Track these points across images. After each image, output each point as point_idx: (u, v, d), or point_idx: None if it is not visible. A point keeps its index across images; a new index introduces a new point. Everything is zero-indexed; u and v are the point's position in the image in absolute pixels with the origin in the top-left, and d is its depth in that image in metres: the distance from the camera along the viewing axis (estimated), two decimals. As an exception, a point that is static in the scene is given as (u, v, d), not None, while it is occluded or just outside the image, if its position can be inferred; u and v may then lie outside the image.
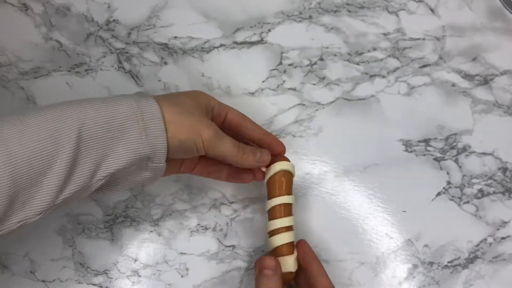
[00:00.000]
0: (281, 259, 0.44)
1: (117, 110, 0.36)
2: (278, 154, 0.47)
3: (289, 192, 0.46)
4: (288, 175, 0.46)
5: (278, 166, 0.46)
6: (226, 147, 0.41)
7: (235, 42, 0.57)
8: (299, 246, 0.45)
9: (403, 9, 0.59)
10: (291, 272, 0.44)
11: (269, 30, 0.57)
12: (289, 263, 0.44)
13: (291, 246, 0.45)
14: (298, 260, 0.45)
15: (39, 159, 0.32)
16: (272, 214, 0.45)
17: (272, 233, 0.45)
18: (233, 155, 0.41)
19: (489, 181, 0.53)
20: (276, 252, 0.45)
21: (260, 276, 0.42)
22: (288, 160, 0.47)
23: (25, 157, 0.32)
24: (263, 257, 0.43)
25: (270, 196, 0.46)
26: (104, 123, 0.35)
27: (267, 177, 0.46)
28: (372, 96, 0.56)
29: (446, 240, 0.51)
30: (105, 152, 0.35)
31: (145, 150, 0.37)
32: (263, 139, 0.46)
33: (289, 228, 0.45)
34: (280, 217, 0.45)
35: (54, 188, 0.33)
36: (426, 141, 0.54)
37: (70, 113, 0.34)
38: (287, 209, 0.45)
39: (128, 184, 0.39)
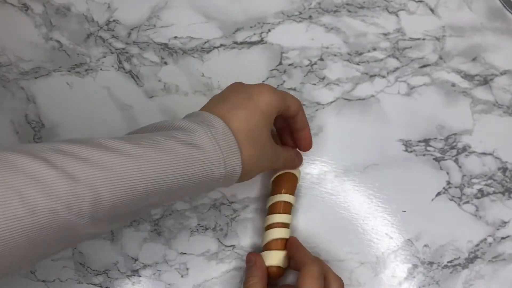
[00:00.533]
0: (272, 252, 0.46)
1: (209, 180, 0.36)
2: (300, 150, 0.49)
3: (291, 192, 0.48)
4: (293, 177, 0.49)
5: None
6: (279, 164, 0.45)
7: (235, 42, 0.57)
8: (288, 240, 0.47)
9: (403, 9, 0.59)
10: (279, 267, 0.46)
11: (269, 30, 0.57)
12: (278, 258, 0.46)
13: (283, 242, 0.47)
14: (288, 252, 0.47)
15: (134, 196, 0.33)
16: (271, 209, 0.48)
17: (268, 227, 0.47)
18: (284, 165, 0.47)
19: (489, 181, 0.53)
20: (268, 246, 0.47)
21: (247, 268, 0.46)
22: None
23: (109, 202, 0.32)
24: (248, 253, 0.47)
25: (273, 193, 0.48)
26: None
27: (273, 176, 0.49)
28: (372, 96, 0.56)
29: (446, 240, 0.51)
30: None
31: (215, 184, 0.38)
32: (301, 133, 0.47)
33: (285, 225, 0.47)
34: (279, 213, 0.47)
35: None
36: (426, 141, 0.54)
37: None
38: (287, 207, 0.48)
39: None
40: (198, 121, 0.37)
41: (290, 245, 0.47)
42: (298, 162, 0.49)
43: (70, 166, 0.30)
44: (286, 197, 0.47)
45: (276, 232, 0.47)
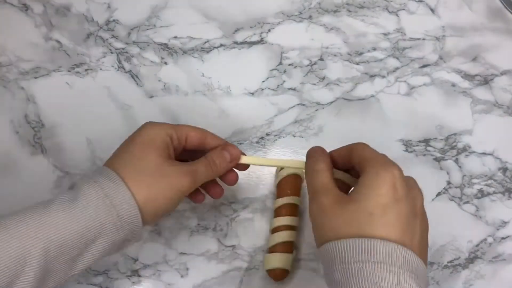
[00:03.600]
0: (277, 255, 0.46)
1: (91, 221, 0.34)
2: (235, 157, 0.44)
3: (296, 193, 0.48)
4: (297, 178, 0.49)
5: (286, 171, 0.48)
6: (202, 176, 0.40)
7: (235, 42, 0.57)
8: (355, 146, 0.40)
9: (403, 9, 0.59)
10: (284, 270, 0.46)
11: (269, 30, 0.57)
12: (284, 260, 0.46)
13: (289, 245, 0.46)
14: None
15: (1, 276, 0.31)
16: (277, 212, 0.48)
17: (274, 230, 0.47)
18: (210, 175, 0.41)
19: (489, 181, 0.53)
20: (274, 249, 0.46)
21: (310, 157, 0.40)
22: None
23: None
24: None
25: (277, 196, 0.49)
26: (76, 237, 0.34)
27: (276, 180, 0.49)
28: (372, 96, 0.56)
29: (446, 240, 0.51)
30: (80, 253, 0.35)
31: (122, 236, 0.36)
32: (225, 148, 0.43)
33: (291, 228, 0.47)
34: (284, 215, 0.47)
35: None
36: (426, 141, 0.54)
37: (35, 233, 0.32)
38: (292, 209, 0.47)
39: (107, 253, 0.38)
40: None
41: (354, 149, 0.39)
42: (226, 156, 0.42)
43: None
44: (290, 199, 0.47)
45: (282, 235, 0.46)
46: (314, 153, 0.39)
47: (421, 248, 0.34)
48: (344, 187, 0.38)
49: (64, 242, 0.33)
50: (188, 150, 0.42)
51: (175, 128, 0.40)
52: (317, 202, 0.36)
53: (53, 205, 0.34)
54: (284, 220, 0.47)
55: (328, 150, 0.40)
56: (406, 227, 0.33)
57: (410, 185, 0.36)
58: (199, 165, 0.40)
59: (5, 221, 0.33)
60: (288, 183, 0.48)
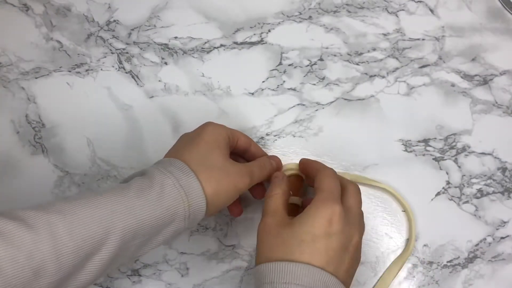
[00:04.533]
0: None
1: (165, 209, 0.37)
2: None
3: (297, 193, 0.48)
4: (298, 178, 0.49)
5: (287, 171, 0.49)
6: (256, 177, 0.43)
7: (235, 43, 0.57)
8: (300, 161, 0.48)
9: (403, 10, 0.59)
10: None
11: (269, 31, 0.57)
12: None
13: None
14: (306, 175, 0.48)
15: (87, 247, 0.33)
16: None
17: None
18: (262, 177, 0.45)
19: (489, 181, 0.54)
20: None
21: (270, 182, 0.45)
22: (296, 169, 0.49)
23: (72, 247, 0.32)
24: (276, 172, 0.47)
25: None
26: (151, 223, 0.36)
27: None
28: (372, 96, 0.56)
29: (446, 240, 0.51)
30: (149, 238, 0.37)
31: (186, 225, 0.39)
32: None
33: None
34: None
35: (96, 272, 0.34)
36: (426, 141, 0.55)
37: (118, 215, 0.35)
38: (293, 210, 0.46)
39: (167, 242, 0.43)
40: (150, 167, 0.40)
41: (302, 164, 0.48)
42: (273, 163, 0.48)
43: (30, 216, 0.31)
44: (292, 200, 0.47)
45: None
46: (274, 179, 0.44)
47: (346, 278, 0.38)
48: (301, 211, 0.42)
49: (138, 228, 0.35)
50: (233, 153, 0.46)
51: (231, 131, 0.44)
52: (263, 222, 0.40)
53: (130, 190, 0.36)
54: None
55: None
56: (333, 257, 0.37)
57: (351, 222, 0.39)
58: (254, 166, 0.44)
59: (91, 199, 0.35)
60: (290, 184, 0.48)
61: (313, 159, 0.49)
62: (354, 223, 0.39)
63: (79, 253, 0.32)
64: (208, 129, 0.43)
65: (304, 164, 0.48)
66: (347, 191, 0.41)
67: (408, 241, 0.51)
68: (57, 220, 0.32)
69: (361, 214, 0.41)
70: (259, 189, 0.48)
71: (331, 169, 0.43)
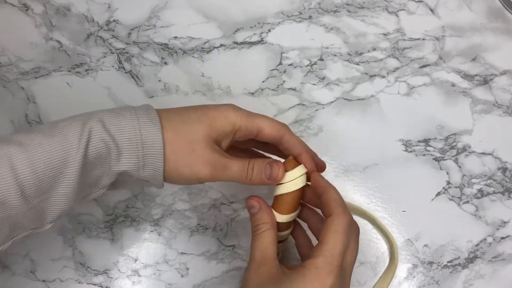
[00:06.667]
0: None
1: (121, 128, 0.35)
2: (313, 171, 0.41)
3: (297, 208, 0.41)
4: (296, 194, 0.40)
5: (286, 188, 0.40)
6: (230, 175, 0.38)
7: (235, 42, 0.57)
8: (313, 176, 0.41)
9: (403, 9, 0.59)
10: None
11: (269, 30, 0.57)
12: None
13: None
14: (312, 191, 0.41)
15: (51, 169, 0.33)
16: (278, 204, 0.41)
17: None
18: (239, 179, 0.39)
19: (489, 181, 0.54)
20: None
21: (250, 217, 0.40)
22: (302, 173, 0.40)
23: (43, 165, 0.32)
24: (248, 198, 0.41)
25: (276, 209, 0.40)
26: (109, 139, 0.35)
27: (275, 192, 0.41)
28: (372, 96, 0.56)
29: (446, 240, 0.51)
30: (102, 171, 0.36)
31: (141, 175, 0.36)
32: (299, 157, 0.41)
33: (282, 241, 0.43)
34: (280, 231, 0.41)
35: (69, 195, 0.34)
36: (426, 141, 0.54)
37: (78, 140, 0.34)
38: (289, 224, 0.42)
39: (130, 186, 0.39)
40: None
41: (316, 182, 0.40)
42: (275, 174, 0.39)
43: None
44: (291, 217, 0.41)
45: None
46: (251, 211, 0.40)
47: None
48: (284, 226, 0.40)
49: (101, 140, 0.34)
50: (260, 145, 0.43)
51: (249, 119, 0.39)
52: (250, 271, 0.37)
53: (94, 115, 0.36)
54: (282, 236, 0.41)
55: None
56: None
57: (344, 286, 0.37)
58: (235, 164, 0.38)
59: (50, 127, 0.34)
60: (294, 200, 0.40)
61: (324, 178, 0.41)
62: (345, 285, 0.37)
63: (41, 184, 0.32)
64: (221, 108, 0.38)
65: (320, 184, 0.40)
66: (349, 247, 0.37)
67: (391, 261, 0.50)
68: (16, 152, 0.32)
69: (352, 269, 0.38)
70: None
71: (345, 218, 0.37)
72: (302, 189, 0.40)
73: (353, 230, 0.38)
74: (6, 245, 0.34)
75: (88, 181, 0.35)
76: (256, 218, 0.39)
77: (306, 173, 0.40)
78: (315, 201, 0.42)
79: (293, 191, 0.40)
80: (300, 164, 0.40)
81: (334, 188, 0.39)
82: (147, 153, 0.35)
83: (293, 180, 0.40)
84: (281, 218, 0.40)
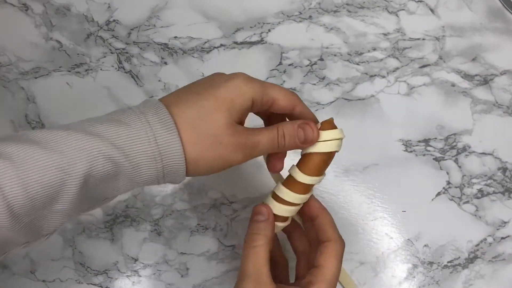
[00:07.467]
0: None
1: (134, 169, 0.32)
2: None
3: (322, 173, 0.39)
4: (327, 156, 0.39)
5: (318, 147, 0.38)
6: (262, 150, 0.36)
7: (235, 42, 0.57)
8: (311, 201, 0.41)
9: (403, 9, 0.59)
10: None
11: (269, 30, 0.57)
12: (276, 228, 0.40)
13: (286, 219, 0.41)
14: (304, 213, 0.41)
15: (49, 187, 0.29)
16: (293, 185, 0.39)
17: (280, 199, 0.40)
18: (273, 150, 0.37)
19: (489, 181, 0.53)
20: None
21: (251, 222, 0.39)
22: (338, 137, 0.38)
23: (24, 199, 0.29)
24: (258, 205, 0.40)
25: (301, 169, 0.39)
26: (115, 170, 0.31)
27: (305, 150, 0.39)
28: (372, 96, 0.56)
29: (446, 240, 0.51)
30: (114, 186, 0.33)
31: (160, 183, 0.35)
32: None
33: (297, 205, 0.40)
34: (300, 193, 0.39)
35: (65, 213, 0.31)
36: (426, 141, 0.54)
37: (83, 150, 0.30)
38: (309, 188, 0.40)
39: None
40: (135, 106, 0.34)
41: (311, 204, 0.40)
42: (299, 136, 0.37)
43: None
44: (315, 180, 0.39)
45: (288, 209, 0.39)
46: (256, 217, 0.39)
47: None
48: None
49: (103, 169, 0.31)
50: (270, 114, 0.40)
51: (264, 91, 0.36)
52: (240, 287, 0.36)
53: (96, 127, 0.31)
54: (297, 199, 0.39)
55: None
56: None
57: None
58: (264, 137, 0.36)
59: (51, 134, 0.30)
60: (322, 162, 0.38)
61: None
62: None
63: (34, 203, 0.29)
64: (233, 84, 0.35)
65: (314, 209, 0.40)
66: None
67: None
68: (6, 168, 0.28)
69: None
70: (276, 161, 0.41)
71: (342, 245, 0.39)
72: (332, 156, 0.39)
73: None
74: None
75: (94, 195, 0.32)
76: (258, 227, 0.38)
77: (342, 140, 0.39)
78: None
79: (324, 152, 0.38)
80: (338, 128, 0.38)
81: (328, 212, 0.40)
82: (166, 164, 0.33)
83: (327, 141, 0.38)
84: (303, 178, 0.38)
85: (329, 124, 0.39)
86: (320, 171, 0.39)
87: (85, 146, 0.30)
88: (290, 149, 0.38)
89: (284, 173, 0.41)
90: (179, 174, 0.34)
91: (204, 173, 0.35)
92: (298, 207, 0.40)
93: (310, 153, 0.38)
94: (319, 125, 0.39)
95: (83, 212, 0.34)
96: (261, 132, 0.36)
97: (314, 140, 0.37)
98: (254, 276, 0.36)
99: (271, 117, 0.41)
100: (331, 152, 0.38)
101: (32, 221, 0.30)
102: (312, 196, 0.41)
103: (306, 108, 0.39)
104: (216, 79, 0.36)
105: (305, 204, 0.41)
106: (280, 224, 0.40)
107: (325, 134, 0.38)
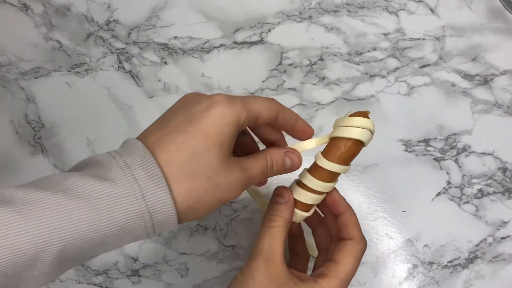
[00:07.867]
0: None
1: (117, 226, 0.29)
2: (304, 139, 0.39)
3: (349, 162, 0.39)
4: (352, 144, 0.38)
5: (346, 132, 0.38)
6: (254, 182, 0.36)
7: (235, 42, 0.57)
8: (334, 195, 0.40)
9: (403, 9, 0.59)
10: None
11: (269, 30, 0.57)
12: (297, 216, 0.40)
13: (310, 207, 0.40)
14: (330, 209, 0.41)
15: (20, 256, 0.26)
16: (319, 173, 0.39)
17: (306, 187, 0.39)
18: (262, 178, 0.37)
19: (489, 181, 0.53)
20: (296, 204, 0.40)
21: (271, 203, 0.39)
22: (367, 126, 0.38)
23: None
24: (280, 187, 0.39)
25: (327, 155, 0.38)
26: (102, 239, 0.29)
27: (333, 133, 0.39)
28: (372, 96, 0.56)
29: (446, 240, 0.51)
30: (99, 250, 0.31)
31: (150, 236, 0.32)
32: (296, 125, 0.38)
33: (320, 193, 0.39)
34: (325, 181, 0.38)
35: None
36: (426, 141, 0.54)
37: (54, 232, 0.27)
38: (334, 177, 0.39)
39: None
40: (117, 152, 0.31)
41: (337, 200, 0.40)
42: (286, 163, 0.38)
43: None
44: (342, 169, 0.38)
45: (313, 197, 0.39)
46: (276, 199, 0.38)
47: None
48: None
49: (79, 243, 0.28)
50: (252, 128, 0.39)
51: (247, 110, 0.33)
52: (262, 270, 0.35)
53: (77, 199, 0.28)
54: (320, 186, 0.38)
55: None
56: None
57: None
58: (256, 169, 0.35)
59: (23, 206, 0.27)
60: (346, 150, 0.38)
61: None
62: None
63: (6, 271, 0.26)
64: (213, 113, 0.32)
65: (340, 206, 0.40)
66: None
67: None
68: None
69: None
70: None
71: (364, 246, 0.38)
72: (358, 147, 0.38)
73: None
74: None
75: (77, 258, 0.30)
76: (277, 208, 0.38)
77: (372, 133, 0.39)
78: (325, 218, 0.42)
79: (350, 138, 0.37)
80: (368, 119, 0.38)
81: (354, 211, 0.40)
82: (156, 221, 0.30)
83: (356, 128, 0.38)
84: (326, 164, 0.37)
85: (363, 114, 0.39)
86: (344, 160, 0.38)
87: (64, 211, 0.27)
88: (276, 175, 0.38)
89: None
90: (171, 225, 0.31)
91: (204, 215, 0.33)
92: (320, 197, 0.39)
93: (337, 139, 0.38)
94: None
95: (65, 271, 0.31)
96: (252, 164, 0.35)
97: (299, 166, 0.38)
98: (267, 254, 0.36)
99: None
100: (357, 141, 0.38)
101: (6, 286, 0.27)
102: (338, 193, 0.41)
103: (288, 111, 0.37)
104: (196, 107, 0.33)
105: (331, 200, 0.40)
106: (301, 213, 0.39)
107: (355, 120, 0.38)
